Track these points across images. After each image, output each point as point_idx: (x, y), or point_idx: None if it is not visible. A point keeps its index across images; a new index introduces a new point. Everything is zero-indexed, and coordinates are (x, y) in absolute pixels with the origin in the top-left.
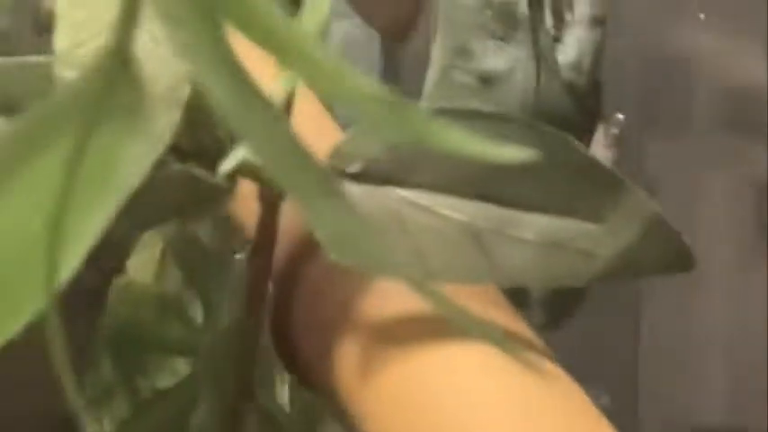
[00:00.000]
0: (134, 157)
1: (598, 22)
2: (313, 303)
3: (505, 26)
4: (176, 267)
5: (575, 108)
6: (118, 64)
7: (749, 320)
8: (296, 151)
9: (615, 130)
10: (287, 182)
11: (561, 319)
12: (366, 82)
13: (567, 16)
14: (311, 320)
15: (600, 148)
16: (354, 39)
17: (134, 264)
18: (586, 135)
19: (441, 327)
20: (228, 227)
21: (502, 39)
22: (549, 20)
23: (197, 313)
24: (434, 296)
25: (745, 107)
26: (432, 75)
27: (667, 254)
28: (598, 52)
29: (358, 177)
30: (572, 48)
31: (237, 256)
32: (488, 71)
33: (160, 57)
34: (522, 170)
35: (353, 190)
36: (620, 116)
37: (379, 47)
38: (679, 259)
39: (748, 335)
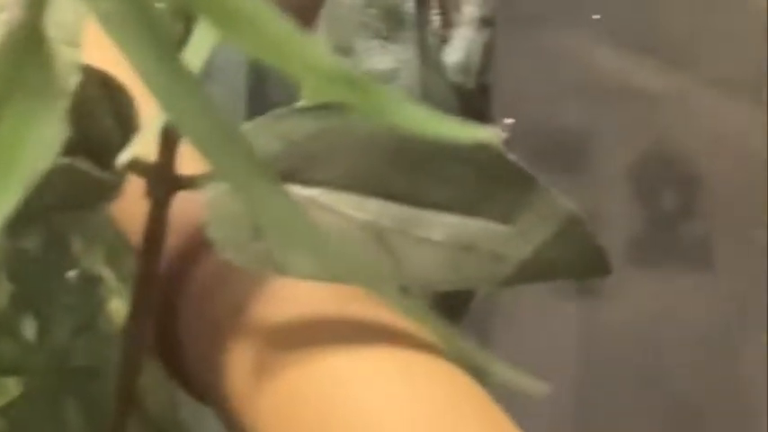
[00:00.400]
0: (43, 140)
1: (486, 22)
2: (201, 306)
3: (390, 25)
4: (8, 282)
5: (461, 111)
6: (29, 42)
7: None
8: (228, 134)
9: (505, 134)
10: (221, 166)
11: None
12: (329, 58)
13: (455, 16)
14: (199, 324)
15: None
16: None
17: None
18: None
19: (336, 332)
20: (63, 241)
21: (386, 38)
22: (435, 20)
23: (29, 331)
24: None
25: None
26: None
27: (583, 257)
28: (487, 54)
29: None
30: (459, 49)
31: (71, 273)
32: (371, 71)
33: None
34: (429, 167)
35: None
36: (510, 120)
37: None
38: (595, 263)
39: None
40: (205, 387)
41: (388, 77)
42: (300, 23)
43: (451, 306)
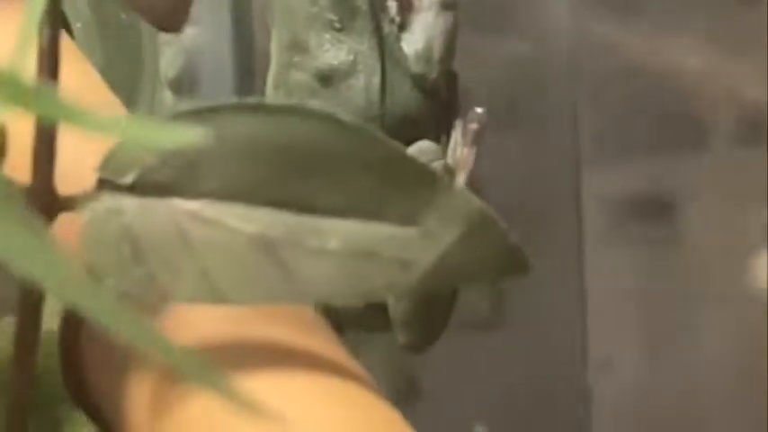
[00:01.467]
0: None
1: (447, 6)
2: (103, 334)
3: (343, 16)
4: None
5: (427, 103)
6: None
7: None
8: None
9: (474, 125)
10: None
11: (427, 340)
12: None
13: (414, 1)
14: (101, 353)
15: (459, 146)
16: (204, 46)
17: None
18: (443, 132)
19: (234, 358)
20: None
21: (340, 30)
22: (392, 6)
23: None
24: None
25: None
26: (271, 75)
27: (497, 257)
28: (450, 40)
29: (133, 189)
30: (419, 36)
31: None
32: (326, 68)
33: None
34: (321, 170)
35: (127, 204)
36: (479, 109)
37: (230, 51)
38: (511, 262)
39: None
40: (111, 420)
41: (345, 73)
42: (169, 24)
43: (427, 325)
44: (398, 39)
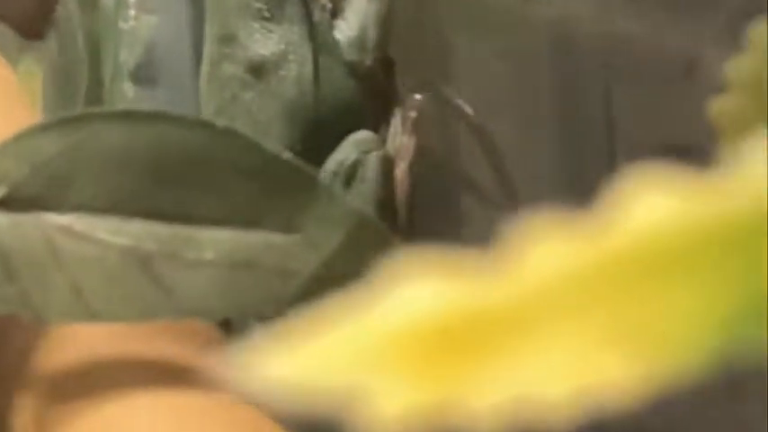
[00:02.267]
0: None
1: None
2: None
3: (271, 4)
4: None
5: (363, 92)
6: None
7: None
8: None
9: (413, 113)
10: None
11: None
12: None
13: None
14: None
15: (399, 135)
16: (164, 36)
17: None
18: (382, 122)
19: (114, 378)
20: None
21: (269, 19)
22: None
23: None
24: None
25: None
26: (203, 69)
27: (379, 260)
28: (384, 25)
29: (2, 204)
30: (353, 23)
31: None
32: (257, 58)
33: None
34: (196, 178)
35: None
36: (418, 96)
37: (189, 41)
38: None
39: None
40: None
41: (276, 63)
42: (29, 30)
43: None
44: (331, 26)
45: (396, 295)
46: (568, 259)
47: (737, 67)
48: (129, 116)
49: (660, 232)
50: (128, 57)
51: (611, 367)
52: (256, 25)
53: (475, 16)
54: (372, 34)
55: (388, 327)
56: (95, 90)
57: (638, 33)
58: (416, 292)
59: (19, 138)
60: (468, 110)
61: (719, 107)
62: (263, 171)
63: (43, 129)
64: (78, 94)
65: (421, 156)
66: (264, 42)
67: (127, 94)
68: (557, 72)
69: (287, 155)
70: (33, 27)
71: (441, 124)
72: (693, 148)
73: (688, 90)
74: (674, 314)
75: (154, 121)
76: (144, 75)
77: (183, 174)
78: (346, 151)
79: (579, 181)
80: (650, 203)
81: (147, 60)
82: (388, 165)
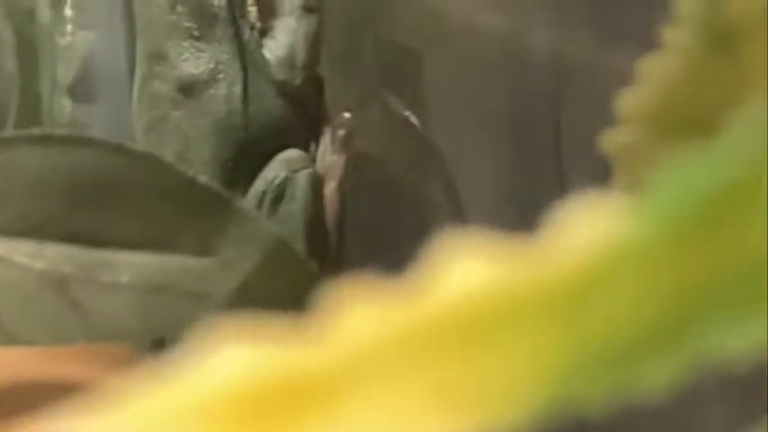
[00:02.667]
0: None
1: (311, 9)
2: None
3: (201, 23)
4: None
5: (292, 110)
6: None
7: None
8: None
9: (342, 131)
10: None
11: None
12: None
13: (276, 4)
14: None
15: (328, 153)
16: (100, 51)
17: None
18: (312, 139)
19: (33, 401)
20: None
21: (199, 38)
22: (252, 11)
23: None
24: None
25: None
26: (135, 87)
27: (296, 283)
28: (313, 44)
29: None
30: (282, 41)
31: None
32: (187, 77)
33: None
34: (111, 202)
35: None
36: (347, 115)
37: (126, 55)
38: (310, 287)
39: None
40: None
41: (206, 82)
42: None
43: None
44: (260, 45)
45: (211, 360)
46: (384, 324)
47: (630, 101)
48: (46, 140)
49: (476, 296)
50: (65, 73)
51: (433, 428)
52: (186, 44)
53: (428, 26)
54: (301, 53)
55: (202, 391)
56: (32, 106)
57: (587, 46)
58: (232, 356)
59: None
60: (415, 121)
61: (613, 139)
62: (178, 194)
63: None
64: (10, 114)
65: (352, 173)
66: (194, 61)
67: (64, 110)
68: (507, 82)
69: (202, 178)
70: None
71: (387, 136)
72: None
73: None
74: (495, 375)
75: (71, 145)
76: (81, 91)
77: (100, 197)
78: (275, 170)
79: (526, 191)
80: (465, 268)
81: (83, 76)
82: (317, 183)
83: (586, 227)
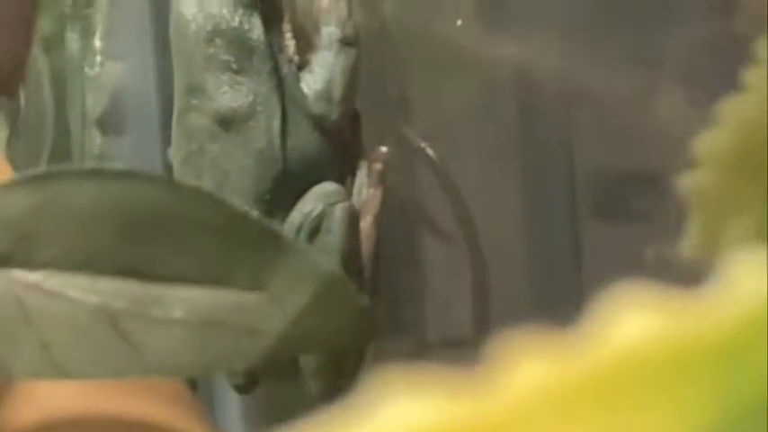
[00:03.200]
0: None
1: (349, 42)
2: None
3: (239, 56)
4: None
5: (329, 144)
6: None
7: None
8: None
9: (379, 165)
10: None
11: (339, 390)
12: None
13: (314, 39)
14: None
15: (365, 187)
16: (130, 83)
17: None
18: (348, 173)
19: None
20: None
21: (237, 71)
22: (290, 45)
23: None
24: None
25: None
26: (173, 120)
27: (349, 321)
28: (351, 78)
29: None
30: (319, 76)
31: None
32: (225, 110)
33: None
34: (164, 237)
35: None
36: (384, 149)
37: (155, 88)
38: (361, 323)
39: None
40: None
41: (244, 115)
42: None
43: (339, 373)
44: (298, 79)
45: (385, 411)
46: (553, 378)
47: (708, 143)
48: (97, 174)
49: (643, 349)
50: (94, 104)
51: None
52: (224, 77)
53: (437, 56)
54: (338, 88)
55: None
56: (63, 136)
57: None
58: (404, 407)
59: None
60: (432, 154)
61: (690, 182)
62: (229, 229)
63: (12, 185)
64: (45, 144)
65: (386, 206)
66: (233, 94)
67: (94, 142)
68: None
69: (254, 213)
70: (6, 85)
71: (404, 168)
72: (649, 178)
73: (644, 124)
74: (660, 426)
75: (122, 180)
76: (110, 123)
77: (151, 232)
78: (312, 203)
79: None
80: (631, 321)
81: (113, 108)
82: (353, 217)
83: (749, 280)
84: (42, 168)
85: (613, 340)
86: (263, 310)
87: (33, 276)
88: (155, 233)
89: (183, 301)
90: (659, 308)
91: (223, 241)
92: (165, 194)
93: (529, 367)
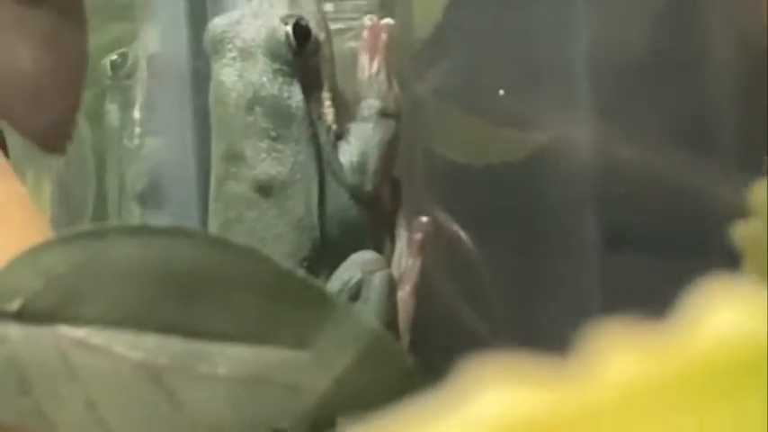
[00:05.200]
0: None
1: (389, 114)
2: None
3: (278, 123)
4: None
5: (366, 212)
6: None
7: None
8: None
9: (419, 236)
10: None
11: None
12: None
13: (354, 109)
14: None
15: (404, 257)
16: (169, 158)
17: None
18: (386, 240)
19: None
20: None
21: (275, 139)
22: (329, 113)
23: None
24: None
25: None
26: (211, 187)
27: (394, 381)
28: (389, 151)
29: (18, 316)
30: (356, 147)
31: None
32: (264, 177)
33: None
34: (208, 293)
35: (13, 333)
36: (425, 219)
37: (195, 164)
38: (408, 383)
39: None
40: None
41: (283, 183)
42: (51, 143)
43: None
44: (335, 147)
45: (477, 400)
46: (644, 369)
47: (760, 193)
48: (143, 231)
49: (735, 343)
50: (134, 179)
51: None
52: (263, 144)
53: (466, 138)
54: (373, 160)
55: (468, 431)
56: (100, 207)
57: (633, 159)
58: (497, 395)
59: (34, 251)
60: (463, 235)
61: (741, 232)
62: (275, 287)
63: (58, 242)
64: (86, 210)
65: (423, 276)
66: (272, 162)
67: (133, 214)
68: (552, 194)
69: (299, 272)
70: (54, 141)
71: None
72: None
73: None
74: (751, 422)
75: (168, 237)
76: (150, 198)
77: (197, 288)
78: (350, 271)
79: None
80: (722, 317)
81: (153, 185)
82: (392, 286)
83: None
84: (89, 225)
85: (705, 334)
86: (308, 369)
87: (79, 332)
88: (200, 290)
89: (228, 358)
90: (750, 302)
91: (268, 299)
92: (211, 251)
93: (622, 359)
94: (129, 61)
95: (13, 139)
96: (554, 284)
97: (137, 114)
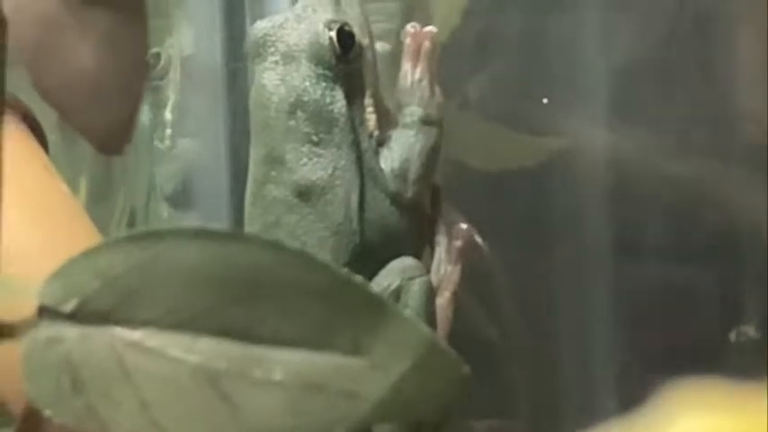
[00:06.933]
0: None
1: (430, 122)
2: None
3: (320, 129)
4: None
5: (407, 219)
6: None
7: None
8: None
9: (459, 243)
10: None
11: None
12: None
13: (397, 116)
14: None
15: (444, 264)
16: (201, 159)
17: None
18: (425, 246)
19: None
20: None
21: (317, 143)
22: (370, 119)
23: None
24: None
25: None
26: (248, 191)
27: (449, 388)
28: (430, 158)
29: (73, 317)
30: (396, 154)
31: None
32: (304, 182)
33: None
34: (266, 298)
35: (68, 333)
36: (465, 226)
37: (226, 165)
38: (462, 391)
39: None
40: None
41: (323, 188)
42: (112, 147)
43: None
44: (377, 153)
45: (679, 425)
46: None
47: None
48: (200, 235)
49: None
50: (164, 181)
51: None
52: (305, 149)
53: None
54: (414, 168)
55: None
56: (127, 207)
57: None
58: (695, 422)
59: (90, 252)
60: (485, 247)
61: None
62: (332, 293)
63: (115, 243)
64: (116, 210)
65: (462, 284)
66: (312, 166)
67: (161, 215)
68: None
69: (356, 278)
70: (112, 143)
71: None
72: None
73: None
74: None
75: (225, 241)
76: (180, 200)
77: (254, 293)
78: (390, 277)
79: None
80: (692, 420)
81: (183, 186)
82: (431, 292)
83: None
84: (147, 227)
85: None
86: (364, 375)
87: (135, 334)
88: (257, 294)
89: (284, 363)
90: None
91: (326, 305)
92: (269, 256)
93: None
94: (162, 62)
95: (51, 139)
96: (568, 288)
97: (168, 115)
